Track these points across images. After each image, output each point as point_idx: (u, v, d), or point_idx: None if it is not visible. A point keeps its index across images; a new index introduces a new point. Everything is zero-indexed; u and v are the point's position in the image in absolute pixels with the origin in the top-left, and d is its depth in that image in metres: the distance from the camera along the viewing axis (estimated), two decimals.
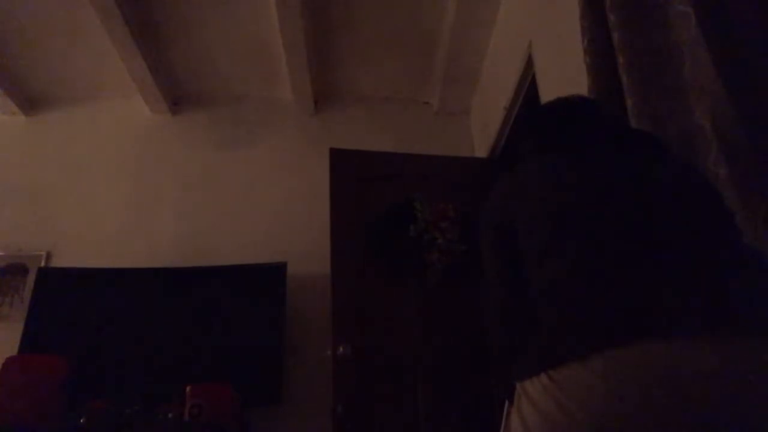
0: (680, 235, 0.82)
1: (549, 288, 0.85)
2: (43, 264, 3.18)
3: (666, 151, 1.05)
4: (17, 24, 3.15)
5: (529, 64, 2.54)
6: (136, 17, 3.07)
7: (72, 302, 2.90)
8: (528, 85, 2.65)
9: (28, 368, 2.45)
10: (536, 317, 0.84)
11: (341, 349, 2.43)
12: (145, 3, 3.05)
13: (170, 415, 2.40)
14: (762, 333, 0.71)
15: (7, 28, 3.17)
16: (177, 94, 3.78)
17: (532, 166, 1.04)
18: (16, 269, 3.21)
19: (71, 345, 2.72)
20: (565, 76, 2.01)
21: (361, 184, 2.90)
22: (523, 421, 0.79)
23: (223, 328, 2.87)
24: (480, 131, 3.64)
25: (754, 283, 0.78)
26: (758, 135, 1.11)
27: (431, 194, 2.86)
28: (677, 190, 0.90)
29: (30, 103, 3.72)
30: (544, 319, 0.83)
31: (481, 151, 3.50)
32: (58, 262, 3.22)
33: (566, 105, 1.15)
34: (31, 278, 3.05)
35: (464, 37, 3.22)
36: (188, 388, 2.40)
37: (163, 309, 2.91)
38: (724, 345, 0.69)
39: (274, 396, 2.72)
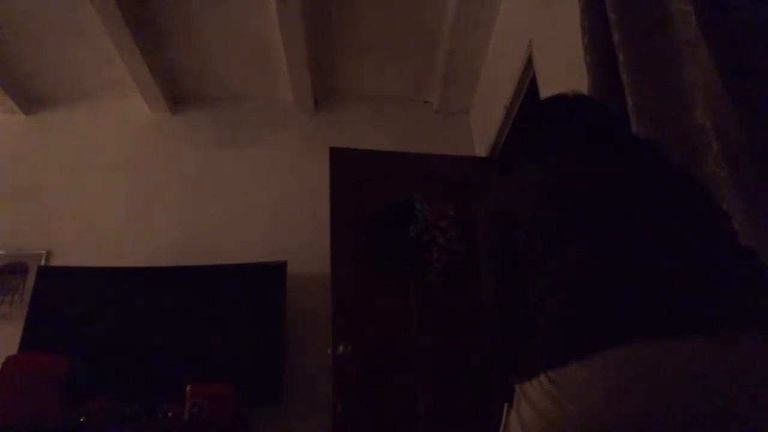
0: (678, 238, 0.82)
1: (548, 289, 0.85)
2: (43, 263, 3.18)
3: (665, 157, 1.05)
4: (18, 23, 3.15)
5: (529, 63, 2.54)
6: (137, 17, 3.07)
7: (72, 301, 2.90)
8: (528, 84, 2.66)
9: (29, 367, 2.45)
10: (535, 319, 0.84)
11: (341, 348, 2.43)
12: (146, 3, 3.05)
13: (170, 415, 2.41)
14: (758, 332, 0.71)
15: (8, 27, 3.17)
16: (177, 94, 3.78)
17: (533, 168, 1.03)
18: (16, 268, 3.21)
19: (71, 344, 2.72)
20: (565, 75, 2.01)
21: (361, 184, 2.90)
22: (522, 422, 0.79)
23: (223, 327, 2.87)
24: (480, 130, 3.64)
25: (749, 283, 0.78)
26: (758, 135, 1.11)
27: (431, 194, 2.86)
28: (675, 196, 0.91)
29: (30, 102, 3.72)
30: (542, 321, 0.83)
31: (481, 150, 3.50)
32: (58, 262, 3.22)
33: (568, 104, 1.14)
34: (31, 277, 3.05)
35: (464, 37, 3.22)
36: (188, 388, 2.41)
37: (163, 308, 2.91)
38: (720, 344, 0.69)
39: (274, 396, 2.72)
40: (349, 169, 2.91)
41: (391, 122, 3.78)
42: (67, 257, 3.21)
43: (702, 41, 1.19)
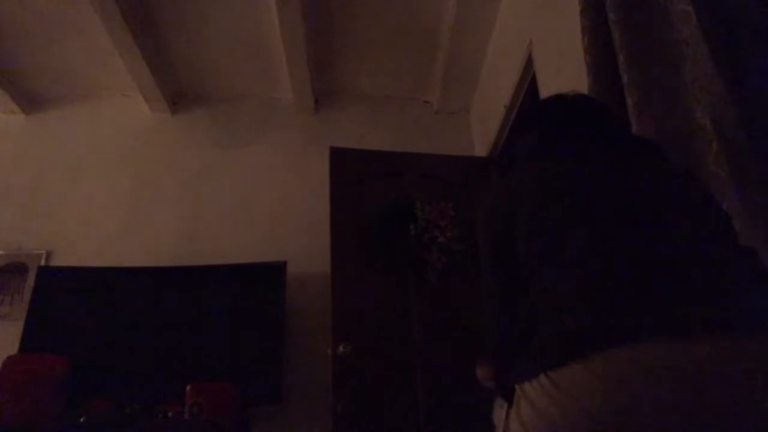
0: (678, 238, 0.82)
1: (548, 290, 0.85)
2: (43, 263, 3.18)
3: (666, 158, 1.05)
4: (17, 23, 3.15)
5: (529, 63, 2.54)
6: (136, 16, 3.07)
7: (72, 301, 2.90)
8: (528, 84, 2.66)
9: (28, 367, 2.44)
10: (535, 318, 0.84)
11: (341, 348, 2.43)
12: (146, 2, 3.05)
13: (170, 414, 2.41)
14: (759, 332, 0.71)
15: (8, 27, 3.17)
16: (177, 93, 3.78)
17: (533, 168, 1.03)
18: (16, 268, 3.21)
19: (71, 344, 2.72)
20: (565, 75, 2.01)
21: (361, 183, 2.90)
22: (522, 422, 0.79)
23: (223, 327, 2.87)
24: (480, 130, 3.64)
25: (750, 283, 0.78)
26: (758, 135, 1.11)
27: (431, 193, 2.86)
28: (676, 196, 0.91)
29: (30, 102, 3.72)
30: (542, 321, 0.83)
31: (481, 150, 3.50)
32: (58, 261, 3.21)
33: (569, 104, 1.14)
34: (31, 277, 3.05)
35: (464, 36, 3.22)
36: (188, 387, 2.40)
37: (163, 308, 2.91)
38: (721, 344, 0.70)
39: (274, 396, 2.72)
40: (349, 169, 2.91)
41: (390, 122, 3.78)
42: (67, 257, 3.20)
43: (702, 41, 1.19)
